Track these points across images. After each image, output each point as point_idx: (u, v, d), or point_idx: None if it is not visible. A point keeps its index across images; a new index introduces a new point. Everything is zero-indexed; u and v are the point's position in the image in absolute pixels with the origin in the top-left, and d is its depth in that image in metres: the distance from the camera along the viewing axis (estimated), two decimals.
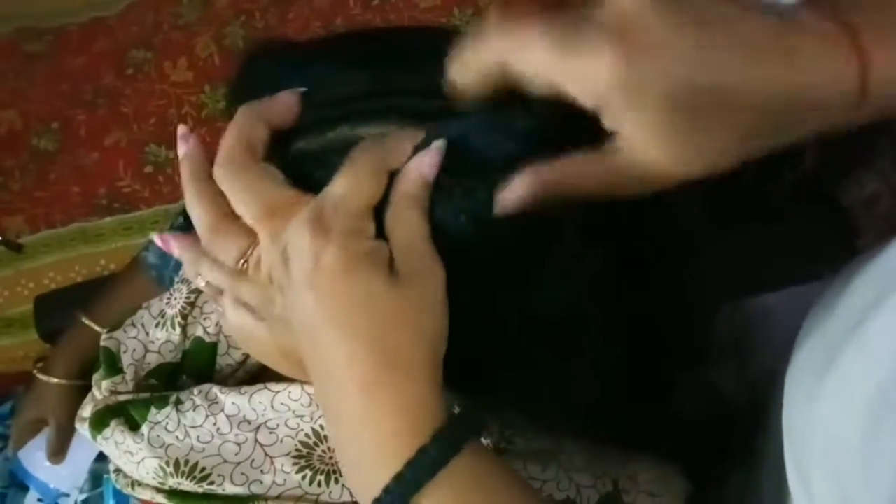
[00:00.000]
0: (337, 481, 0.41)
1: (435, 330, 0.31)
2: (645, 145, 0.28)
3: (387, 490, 0.29)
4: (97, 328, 0.69)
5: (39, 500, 0.72)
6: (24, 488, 0.73)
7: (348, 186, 0.31)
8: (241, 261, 0.33)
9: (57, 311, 0.86)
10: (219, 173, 0.33)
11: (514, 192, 0.30)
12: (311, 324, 0.31)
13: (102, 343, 0.53)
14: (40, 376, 0.70)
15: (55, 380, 0.70)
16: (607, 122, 0.28)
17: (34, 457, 0.72)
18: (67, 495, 0.73)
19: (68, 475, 0.72)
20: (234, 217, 0.33)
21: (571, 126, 0.30)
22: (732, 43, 0.28)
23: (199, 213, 0.33)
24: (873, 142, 0.52)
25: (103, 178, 1.04)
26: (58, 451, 0.71)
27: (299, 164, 0.33)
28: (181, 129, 0.32)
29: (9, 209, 1.03)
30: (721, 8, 0.28)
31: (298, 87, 0.34)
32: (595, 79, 0.27)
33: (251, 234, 0.33)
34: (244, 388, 0.45)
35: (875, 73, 0.28)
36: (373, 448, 0.30)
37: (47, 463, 0.72)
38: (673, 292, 0.39)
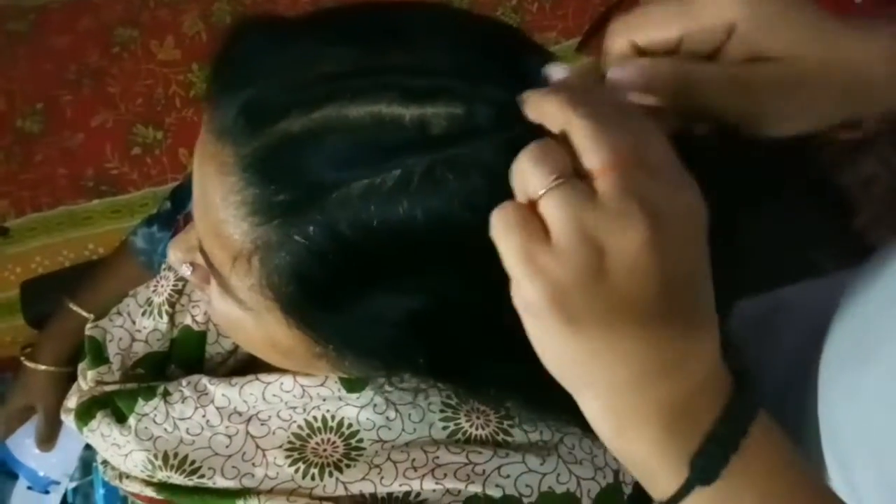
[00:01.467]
0: (331, 475, 0.40)
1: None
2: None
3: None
4: (84, 314, 0.68)
5: (29, 487, 0.72)
6: (14, 476, 0.72)
7: None
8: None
9: (44, 297, 0.85)
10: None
11: (629, 71, 0.31)
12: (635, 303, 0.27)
13: (87, 332, 0.51)
14: (27, 363, 0.69)
15: (42, 367, 0.69)
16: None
17: (23, 444, 0.71)
18: (58, 483, 0.72)
19: (58, 462, 0.71)
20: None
21: None
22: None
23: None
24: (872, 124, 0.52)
25: (90, 160, 1.02)
26: (47, 439, 0.70)
27: (281, 147, 0.31)
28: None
29: None
30: None
31: (285, 62, 0.32)
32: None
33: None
34: (234, 379, 0.44)
35: None
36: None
37: (36, 451, 0.71)
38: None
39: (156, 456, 0.44)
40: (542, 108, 0.29)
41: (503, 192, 0.29)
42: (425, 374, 0.37)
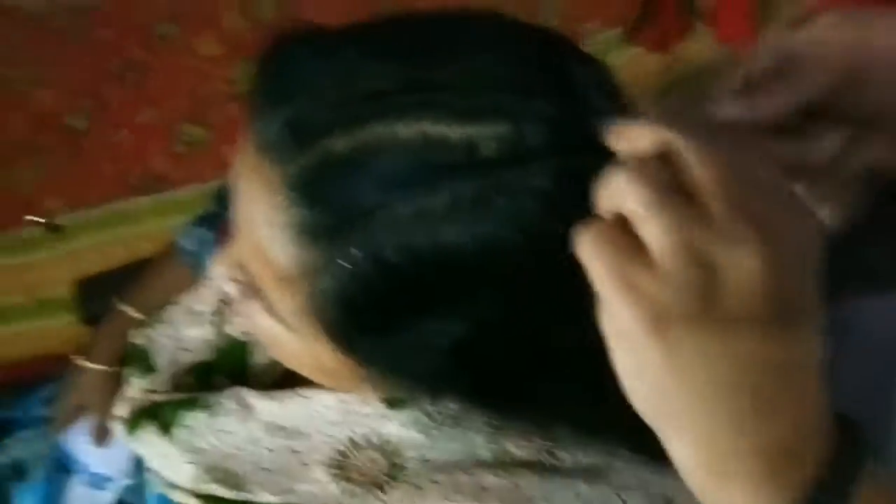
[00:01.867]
0: (376, 497, 0.40)
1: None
2: None
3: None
4: (135, 315, 0.69)
5: (85, 484, 0.74)
6: (70, 472, 0.74)
7: None
8: None
9: (98, 295, 0.87)
10: None
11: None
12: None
13: (133, 340, 0.52)
14: (81, 363, 0.71)
15: (95, 366, 0.71)
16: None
17: (78, 441, 0.73)
18: (112, 479, 0.74)
19: (112, 460, 0.73)
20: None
21: None
22: None
23: None
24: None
25: (135, 157, 1.04)
26: (101, 437, 0.72)
27: (325, 166, 0.30)
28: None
29: (47, 189, 1.03)
30: None
31: (329, 77, 0.31)
32: None
33: None
34: (276, 394, 0.44)
35: None
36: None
37: (91, 448, 0.72)
38: None
39: (201, 468, 0.44)
40: (635, 136, 0.27)
41: (556, 216, 0.28)
42: (470, 399, 0.37)
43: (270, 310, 0.36)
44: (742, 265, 0.24)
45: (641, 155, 0.27)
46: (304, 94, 0.31)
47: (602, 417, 0.35)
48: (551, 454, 0.41)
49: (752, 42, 0.95)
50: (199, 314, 0.52)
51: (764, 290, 0.25)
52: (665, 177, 0.26)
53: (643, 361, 0.26)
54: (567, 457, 0.41)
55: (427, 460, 0.41)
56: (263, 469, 0.43)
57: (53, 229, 0.98)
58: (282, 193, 0.31)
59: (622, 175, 0.26)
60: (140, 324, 0.57)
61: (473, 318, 0.31)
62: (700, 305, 0.25)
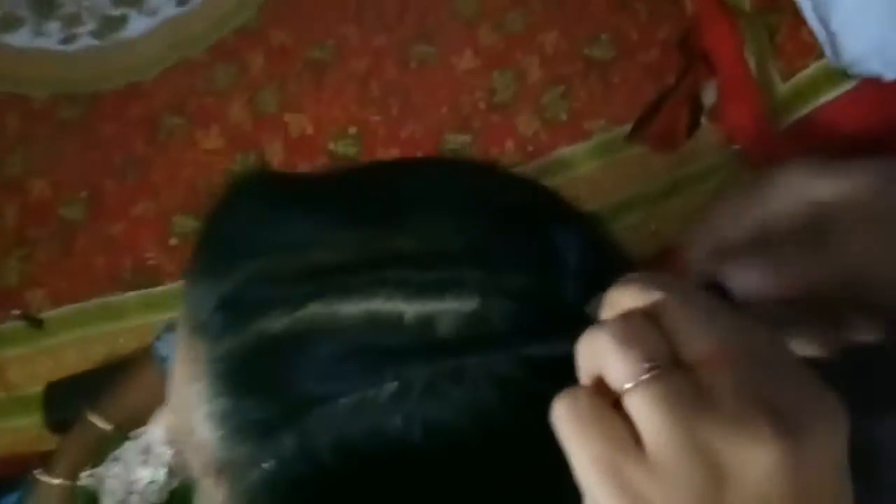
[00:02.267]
0: None
1: None
2: None
3: None
4: (102, 426, 0.66)
5: None
6: None
7: None
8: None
9: (66, 402, 0.82)
10: None
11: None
12: None
13: (82, 482, 0.48)
14: (42, 478, 0.67)
15: (56, 481, 0.67)
16: None
17: None
18: None
19: None
20: None
21: None
22: None
23: None
24: None
25: (128, 250, 1.02)
26: None
27: (258, 351, 0.26)
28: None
29: (33, 282, 1.01)
30: None
31: (274, 246, 0.28)
32: None
33: None
34: None
35: None
36: None
37: None
38: None
39: None
40: (621, 302, 0.23)
41: (521, 409, 0.24)
42: None
43: (201, 493, 0.31)
44: (754, 463, 0.20)
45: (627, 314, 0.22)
46: (243, 266, 0.27)
47: None
48: None
49: (761, 140, 0.93)
50: (155, 455, 0.47)
51: (781, 493, 0.20)
52: (660, 341, 0.22)
53: None
54: None
55: None
56: None
57: (34, 324, 0.95)
58: (207, 380, 0.27)
59: (606, 335, 0.22)
60: (107, 434, 0.53)
61: None
62: None
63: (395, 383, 0.25)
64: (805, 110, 0.87)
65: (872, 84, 0.81)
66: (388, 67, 1.14)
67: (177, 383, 0.29)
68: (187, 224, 1.02)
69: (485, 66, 1.11)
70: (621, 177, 0.99)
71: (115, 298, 0.98)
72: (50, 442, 0.85)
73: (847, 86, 0.83)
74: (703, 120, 1.01)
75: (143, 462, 0.48)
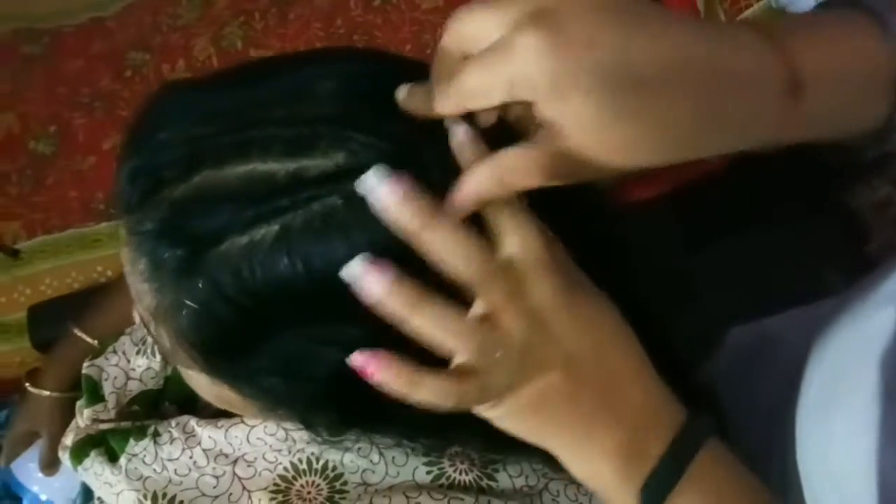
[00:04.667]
0: None
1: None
2: (579, 132, 0.28)
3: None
4: (89, 340, 0.69)
5: None
6: (18, 500, 0.73)
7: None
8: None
9: (50, 321, 0.86)
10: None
11: (466, 193, 0.30)
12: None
13: (84, 371, 0.53)
14: (32, 389, 0.70)
15: (46, 392, 0.70)
16: (541, 114, 0.29)
17: (27, 469, 0.72)
18: None
19: (61, 487, 0.72)
20: None
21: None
22: (666, 31, 0.28)
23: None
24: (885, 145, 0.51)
25: (101, 183, 1.04)
26: (51, 464, 0.71)
27: (164, 213, 0.32)
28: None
29: (6, 214, 1.03)
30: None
31: (168, 127, 0.32)
32: (524, 74, 0.28)
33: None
34: (221, 422, 0.45)
35: (805, 70, 0.30)
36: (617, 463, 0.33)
37: (40, 475, 0.71)
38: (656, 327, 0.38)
39: (145, 496, 0.44)
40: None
41: (384, 239, 0.29)
42: (339, 424, 0.38)
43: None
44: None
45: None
46: (146, 145, 0.32)
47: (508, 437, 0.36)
48: (489, 477, 0.41)
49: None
50: (148, 343, 0.52)
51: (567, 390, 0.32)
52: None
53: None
54: (505, 478, 0.41)
55: (368, 484, 0.42)
56: (206, 495, 0.44)
57: (11, 254, 0.98)
58: (131, 244, 0.33)
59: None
60: (93, 349, 0.57)
61: (319, 341, 0.32)
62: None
63: (277, 226, 0.30)
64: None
65: None
66: (353, 4, 1.16)
67: (122, 256, 0.35)
68: None
69: (448, 5, 1.14)
70: None
71: (88, 229, 1.01)
72: (25, 368, 0.88)
73: None
74: None
75: (139, 352, 0.53)
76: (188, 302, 0.32)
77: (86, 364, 0.54)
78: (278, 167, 0.30)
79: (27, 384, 0.71)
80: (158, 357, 0.52)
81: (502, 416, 0.32)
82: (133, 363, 0.53)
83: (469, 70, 0.29)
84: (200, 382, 0.38)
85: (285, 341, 0.33)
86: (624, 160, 0.29)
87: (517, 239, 0.30)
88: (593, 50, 0.27)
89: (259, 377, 0.34)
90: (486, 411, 0.32)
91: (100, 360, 0.53)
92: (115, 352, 0.54)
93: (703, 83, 0.28)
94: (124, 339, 0.55)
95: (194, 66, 1.14)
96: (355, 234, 0.30)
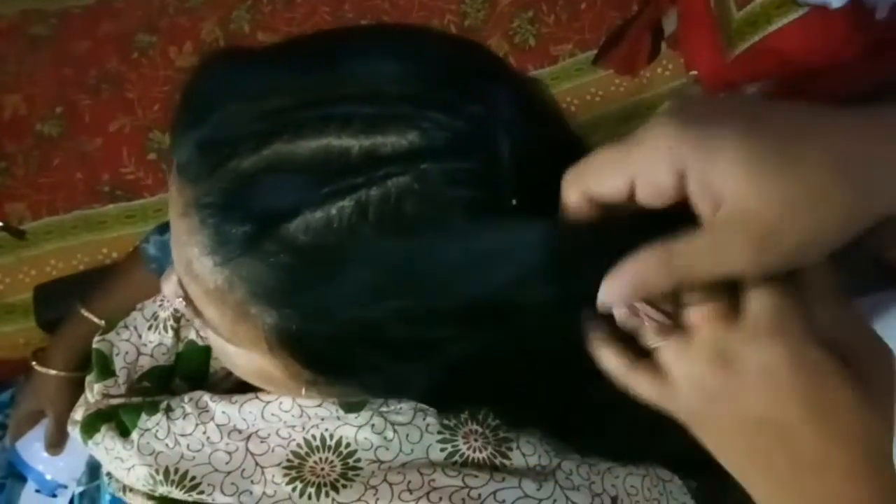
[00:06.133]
0: (327, 495, 0.40)
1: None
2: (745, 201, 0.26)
3: None
4: (95, 320, 0.69)
5: (37, 490, 0.72)
6: (23, 479, 0.73)
7: None
8: None
9: (56, 301, 0.86)
10: None
11: (609, 298, 0.29)
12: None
13: (95, 345, 0.52)
14: (38, 368, 0.70)
15: (53, 371, 0.70)
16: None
17: (32, 448, 0.72)
18: (65, 487, 0.73)
19: (66, 467, 0.72)
20: None
21: None
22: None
23: None
24: None
25: (107, 165, 1.03)
26: (56, 443, 0.71)
27: (233, 185, 0.31)
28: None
29: (12, 195, 1.02)
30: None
31: (236, 98, 0.32)
32: (661, 165, 0.27)
33: None
34: (235, 397, 0.45)
35: None
36: None
37: (45, 454, 0.71)
38: None
39: (157, 471, 0.44)
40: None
41: (453, 220, 0.29)
42: (403, 394, 0.37)
43: (209, 326, 0.36)
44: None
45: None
46: (214, 117, 0.32)
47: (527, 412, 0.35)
48: (503, 455, 0.41)
49: (716, 66, 0.98)
50: (159, 319, 0.52)
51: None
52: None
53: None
54: (518, 457, 0.41)
55: (382, 461, 0.41)
56: (219, 471, 0.43)
57: (17, 234, 0.97)
58: (194, 215, 0.32)
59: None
60: (100, 329, 0.57)
61: (396, 316, 0.32)
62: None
63: (352, 202, 0.30)
64: (757, 37, 0.92)
65: (819, 12, 0.86)
66: None
67: (173, 222, 0.34)
68: (165, 140, 1.04)
69: None
70: (586, 99, 1.04)
71: (94, 211, 1.00)
72: (31, 349, 0.88)
73: (796, 14, 0.88)
74: (664, 47, 1.05)
75: (150, 328, 0.52)
76: (257, 269, 0.31)
77: (96, 339, 0.53)
78: (353, 143, 0.30)
79: (33, 363, 0.71)
80: (170, 333, 0.51)
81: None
82: (144, 339, 0.52)
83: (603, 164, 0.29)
84: (242, 360, 0.37)
85: (357, 312, 0.32)
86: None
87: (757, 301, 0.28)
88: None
89: (327, 347, 0.34)
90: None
91: (111, 336, 0.53)
92: (126, 327, 0.53)
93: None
94: (136, 315, 0.54)
95: (202, 49, 1.13)
96: (428, 215, 0.30)
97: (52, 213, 1.01)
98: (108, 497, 0.68)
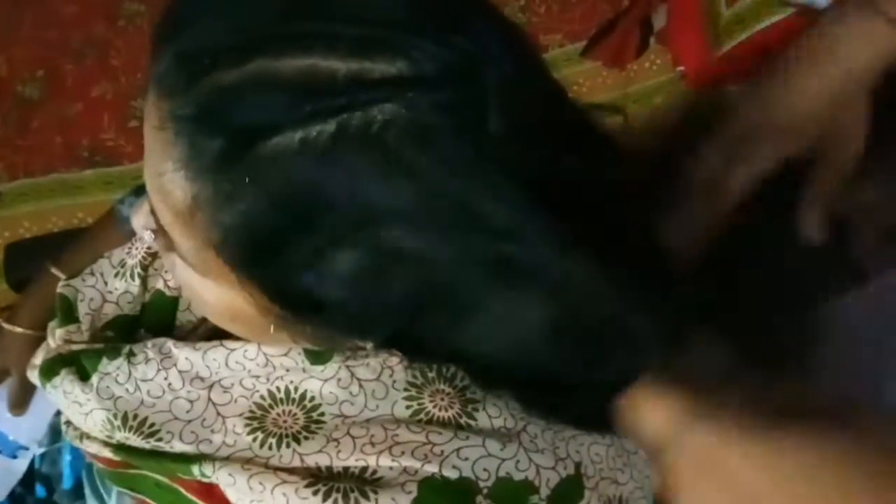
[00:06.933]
0: (288, 445, 0.40)
1: None
2: None
3: None
4: (65, 278, 0.68)
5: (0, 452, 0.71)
6: None
7: None
8: None
9: (28, 261, 0.84)
10: None
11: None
12: None
13: (59, 290, 0.51)
14: (5, 325, 0.69)
15: (20, 329, 0.69)
16: None
17: None
18: (26, 448, 0.71)
19: (28, 428, 0.71)
20: None
21: None
22: None
23: None
24: (872, 149, 0.51)
25: (87, 130, 1.02)
26: (19, 403, 0.70)
27: (212, 98, 0.30)
28: None
29: None
30: None
31: (221, 11, 0.31)
32: None
33: None
34: (199, 344, 0.44)
35: None
36: None
37: (7, 414, 0.70)
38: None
39: (115, 416, 0.43)
40: None
41: (438, 150, 0.29)
42: (368, 334, 0.37)
43: (178, 253, 0.35)
44: None
45: None
46: (196, 29, 0.31)
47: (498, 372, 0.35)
48: (469, 415, 0.41)
49: (703, 62, 0.99)
50: (126, 267, 0.51)
51: None
52: None
53: None
54: (484, 418, 0.41)
55: (346, 416, 0.41)
56: (178, 419, 0.43)
57: None
58: (170, 127, 0.31)
59: None
60: (68, 278, 0.56)
61: (367, 248, 0.31)
62: None
63: (333, 126, 0.29)
64: (744, 35, 0.93)
65: (806, 12, 0.87)
66: None
67: (146, 143, 0.34)
68: None
69: None
70: (573, 90, 1.04)
71: (72, 175, 0.99)
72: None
73: (784, 13, 0.89)
74: (652, 41, 1.06)
75: (117, 275, 0.52)
76: (231, 192, 0.30)
77: (61, 284, 0.52)
78: (340, 66, 0.29)
79: (0, 321, 0.70)
80: (137, 281, 0.50)
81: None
82: (111, 286, 0.51)
83: None
84: (212, 295, 0.36)
85: (327, 243, 0.31)
86: None
87: None
88: None
89: (297, 281, 0.33)
90: None
91: (76, 281, 0.52)
92: (92, 273, 0.53)
93: None
94: (102, 262, 0.53)
95: None
96: (412, 144, 0.29)
97: (29, 176, 0.99)
98: (68, 458, 0.67)
